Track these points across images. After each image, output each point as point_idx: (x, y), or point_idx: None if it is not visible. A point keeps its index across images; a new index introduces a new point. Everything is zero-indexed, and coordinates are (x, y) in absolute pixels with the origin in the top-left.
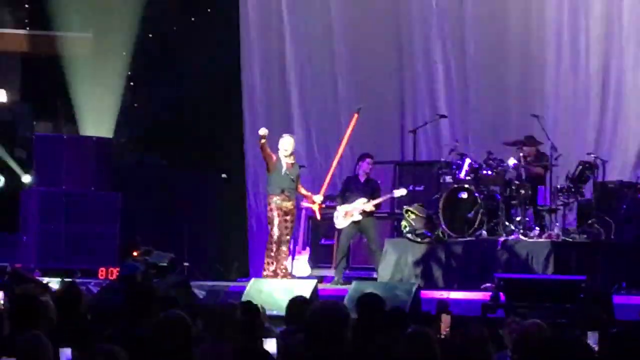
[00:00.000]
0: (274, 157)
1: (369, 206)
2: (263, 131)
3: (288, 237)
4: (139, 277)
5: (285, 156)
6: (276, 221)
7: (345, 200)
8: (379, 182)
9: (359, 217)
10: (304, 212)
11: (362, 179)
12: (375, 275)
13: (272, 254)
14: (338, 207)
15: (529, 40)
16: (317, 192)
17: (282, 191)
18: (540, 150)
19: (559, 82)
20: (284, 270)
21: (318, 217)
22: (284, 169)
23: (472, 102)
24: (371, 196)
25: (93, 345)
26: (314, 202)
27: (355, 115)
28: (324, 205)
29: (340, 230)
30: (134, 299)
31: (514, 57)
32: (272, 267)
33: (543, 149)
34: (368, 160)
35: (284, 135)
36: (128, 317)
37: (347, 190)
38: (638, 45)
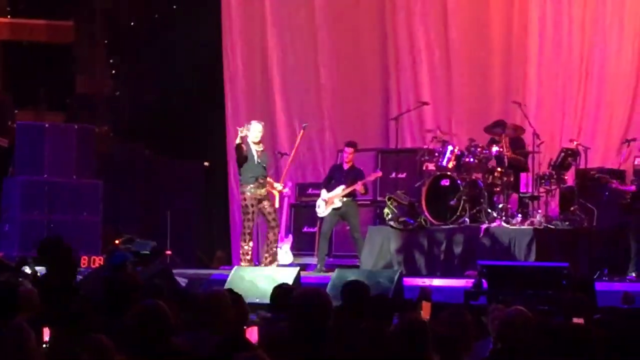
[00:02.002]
0: (245, 149)
1: (346, 191)
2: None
3: (275, 222)
4: (129, 266)
5: (255, 143)
6: (251, 211)
7: (328, 188)
8: (362, 169)
9: (339, 204)
10: (286, 200)
11: (346, 167)
12: (357, 263)
13: (245, 244)
14: (320, 195)
15: (512, 28)
16: (296, 179)
17: (256, 179)
18: (520, 137)
19: (541, 69)
20: (272, 257)
21: (277, 205)
22: (255, 157)
23: (455, 89)
24: (352, 183)
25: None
26: (274, 189)
27: (301, 132)
28: (284, 191)
29: (322, 218)
30: (117, 288)
31: (497, 44)
32: (248, 257)
33: (525, 136)
34: (346, 149)
35: (252, 122)
36: (110, 306)
37: (332, 178)
38: (621, 32)
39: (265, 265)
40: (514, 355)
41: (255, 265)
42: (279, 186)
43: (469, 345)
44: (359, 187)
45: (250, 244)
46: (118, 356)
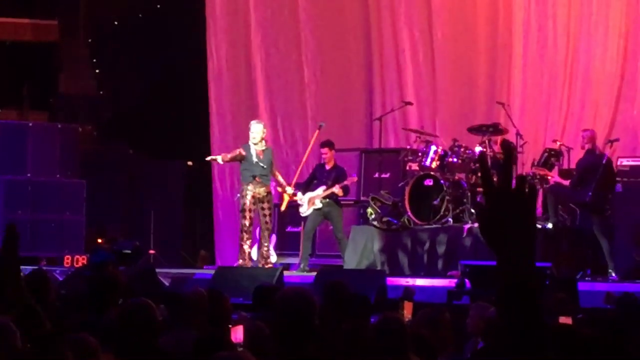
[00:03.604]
0: (239, 152)
1: (326, 193)
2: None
3: (269, 225)
4: (111, 265)
5: (255, 144)
6: (247, 209)
7: (311, 188)
8: (344, 168)
9: (320, 205)
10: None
11: (328, 167)
12: (341, 263)
13: (243, 242)
14: (303, 195)
15: (497, 27)
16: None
17: (254, 177)
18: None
19: (526, 69)
20: (264, 260)
21: (282, 208)
22: (254, 157)
23: (439, 90)
24: (334, 183)
25: (61, 332)
26: (285, 192)
27: (316, 132)
28: (295, 198)
29: (305, 218)
30: (99, 286)
31: (481, 44)
32: (245, 255)
33: (508, 136)
34: (321, 150)
35: (252, 122)
36: (94, 305)
37: (315, 178)
38: (606, 32)
39: (262, 266)
40: (498, 354)
41: (253, 264)
42: (290, 190)
43: (446, 345)
44: (337, 189)
45: (249, 242)
46: (103, 355)
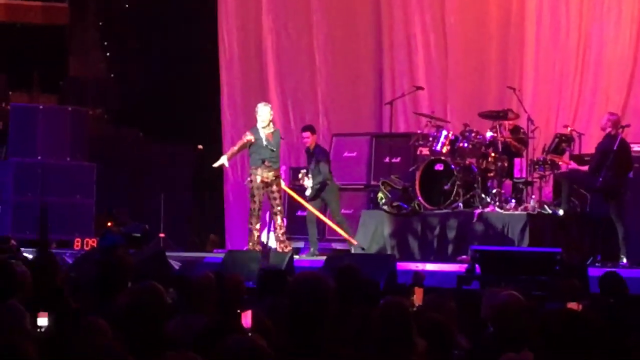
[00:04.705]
0: (246, 140)
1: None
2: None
3: (280, 208)
4: (121, 249)
5: (263, 127)
6: (257, 193)
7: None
8: (324, 149)
9: (309, 192)
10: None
11: (310, 150)
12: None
13: (252, 226)
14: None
15: (509, 12)
16: (290, 162)
17: (263, 162)
18: (516, 125)
19: (538, 54)
20: (283, 243)
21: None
22: (264, 139)
23: (451, 75)
24: (316, 165)
25: (70, 316)
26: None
27: None
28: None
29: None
30: (108, 270)
31: (494, 29)
32: (254, 239)
33: (520, 121)
34: (303, 134)
35: (258, 105)
36: (102, 289)
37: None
38: (619, 17)
39: (282, 250)
40: (507, 339)
41: (262, 247)
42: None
43: (454, 330)
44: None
45: (258, 226)
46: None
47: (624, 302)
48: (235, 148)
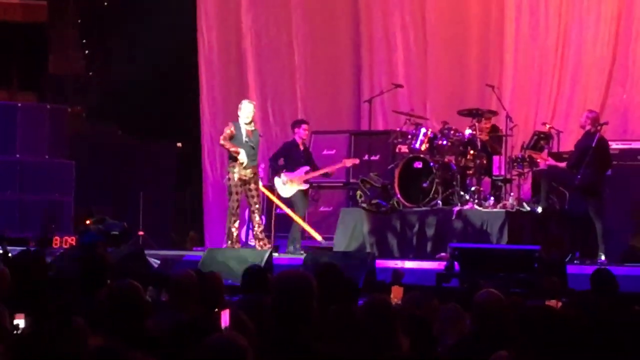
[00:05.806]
0: (230, 130)
1: (316, 174)
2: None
3: (258, 206)
4: (100, 246)
5: (246, 124)
6: (234, 191)
7: (284, 168)
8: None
9: (306, 186)
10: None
11: (302, 147)
12: (331, 245)
13: (230, 224)
14: (280, 177)
15: (489, 10)
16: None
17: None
18: (494, 124)
19: (518, 52)
20: (263, 241)
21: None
22: (244, 136)
23: (430, 72)
24: (311, 165)
25: (50, 313)
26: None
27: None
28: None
29: (289, 200)
30: (90, 267)
31: (473, 27)
32: (233, 237)
33: (499, 119)
34: (304, 126)
35: (243, 102)
36: (82, 286)
37: (288, 157)
38: (598, 16)
39: (261, 248)
40: (488, 337)
41: (242, 245)
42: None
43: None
44: (330, 170)
45: (237, 224)
46: (92, 337)
47: (615, 300)
48: (227, 144)
